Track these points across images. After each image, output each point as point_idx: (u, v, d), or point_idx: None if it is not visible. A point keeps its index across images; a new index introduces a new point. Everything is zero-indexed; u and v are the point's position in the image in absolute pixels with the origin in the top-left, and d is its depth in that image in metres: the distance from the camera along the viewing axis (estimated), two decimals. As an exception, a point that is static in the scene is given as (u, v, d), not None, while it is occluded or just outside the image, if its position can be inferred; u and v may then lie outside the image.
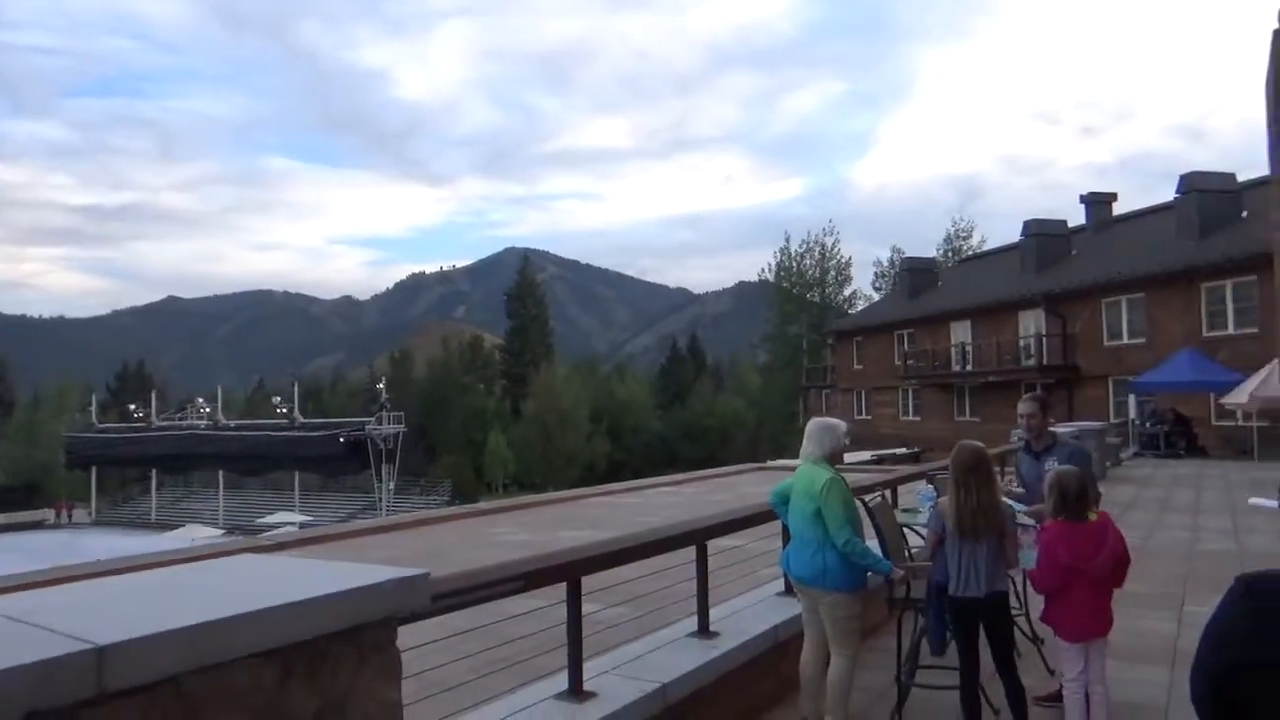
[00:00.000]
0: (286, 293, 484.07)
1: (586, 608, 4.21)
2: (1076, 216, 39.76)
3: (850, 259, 69.73)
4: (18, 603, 1.82)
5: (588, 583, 4.26)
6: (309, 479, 56.22)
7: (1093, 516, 4.42)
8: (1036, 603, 4.97)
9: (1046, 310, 32.88)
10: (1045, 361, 32.69)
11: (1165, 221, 31.63)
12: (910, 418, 43.10)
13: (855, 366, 48.26)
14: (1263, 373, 20.66)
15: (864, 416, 46.14)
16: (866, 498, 5.81)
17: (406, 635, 2.31)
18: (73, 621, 1.65)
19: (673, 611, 5.39)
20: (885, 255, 70.30)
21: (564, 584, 4.11)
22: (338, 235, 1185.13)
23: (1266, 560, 8.51)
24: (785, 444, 51.61)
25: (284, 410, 59.37)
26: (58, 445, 64.11)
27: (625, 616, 5.35)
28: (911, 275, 48.72)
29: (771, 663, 5.26)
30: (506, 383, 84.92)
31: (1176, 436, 24.73)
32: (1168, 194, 32.31)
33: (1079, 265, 34.56)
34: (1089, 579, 4.30)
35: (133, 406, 67.26)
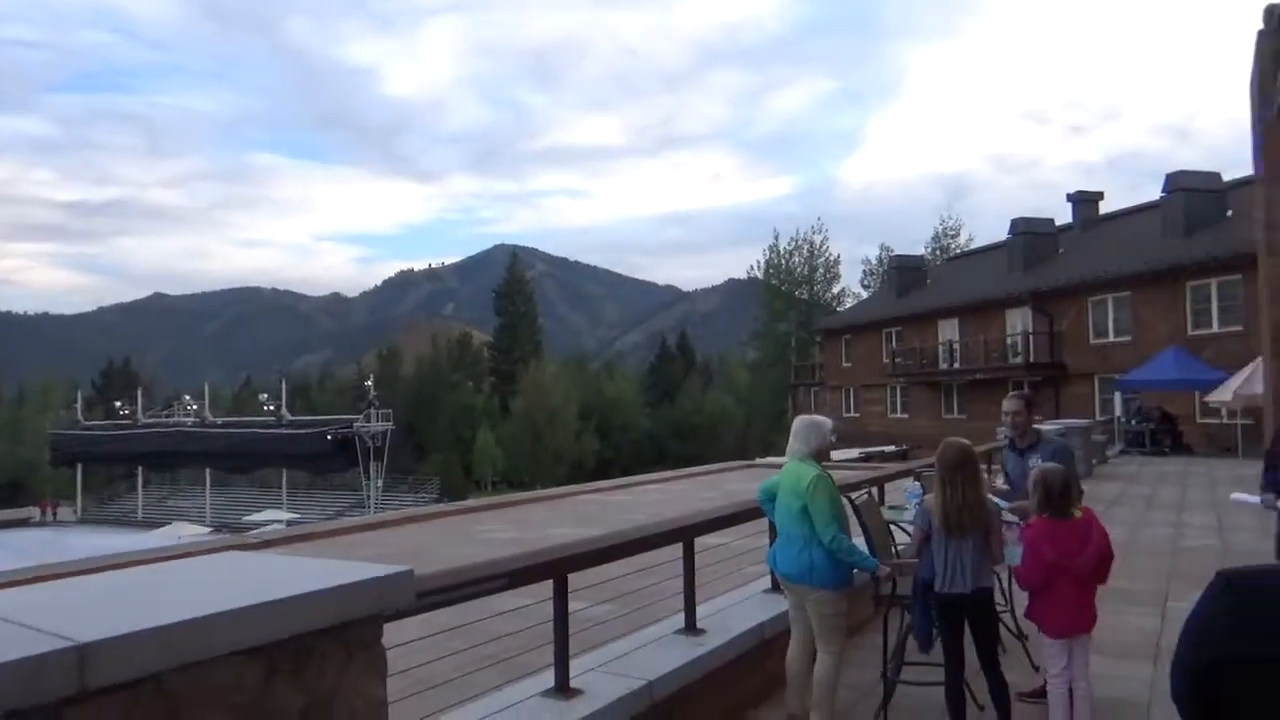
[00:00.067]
0: (274, 289, 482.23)
1: (573, 605, 4.21)
2: (1064, 215, 40.11)
3: (839, 257, 69.99)
4: (0, 601, 1.81)
5: (575, 580, 4.26)
6: (296, 477, 56.08)
7: (1077, 513, 4.45)
8: (1021, 599, 5.00)
9: (1034, 308, 33.05)
10: (1032, 359, 32.89)
11: (1151, 220, 31.84)
12: (898, 415, 43.25)
13: (844, 364, 48.40)
14: (1246, 371, 20.85)
15: (852, 414, 46.27)
16: (853, 495, 5.83)
17: (392, 632, 2.30)
18: (55, 619, 1.64)
19: (660, 609, 5.40)
20: (874, 253, 70.62)
21: (550, 581, 4.11)
22: (326, 232, 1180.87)
23: (1250, 557, 8.58)
24: (774, 441, 51.76)
25: (271, 408, 59.26)
26: (43, 442, 63.73)
27: (612, 614, 5.35)
28: (900, 273, 48.86)
29: (758, 660, 5.27)
30: (495, 380, 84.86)
31: (1162, 434, 24.90)
32: (1154, 193, 32.54)
33: (1066, 264, 34.75)
34: (1073, 575, 4.33)
35: (119, 404, 66.91)
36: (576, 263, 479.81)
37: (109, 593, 1.97)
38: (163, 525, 43.08)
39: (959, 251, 59.53)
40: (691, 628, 5.15)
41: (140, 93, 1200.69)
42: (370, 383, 65.00)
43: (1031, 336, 33.07)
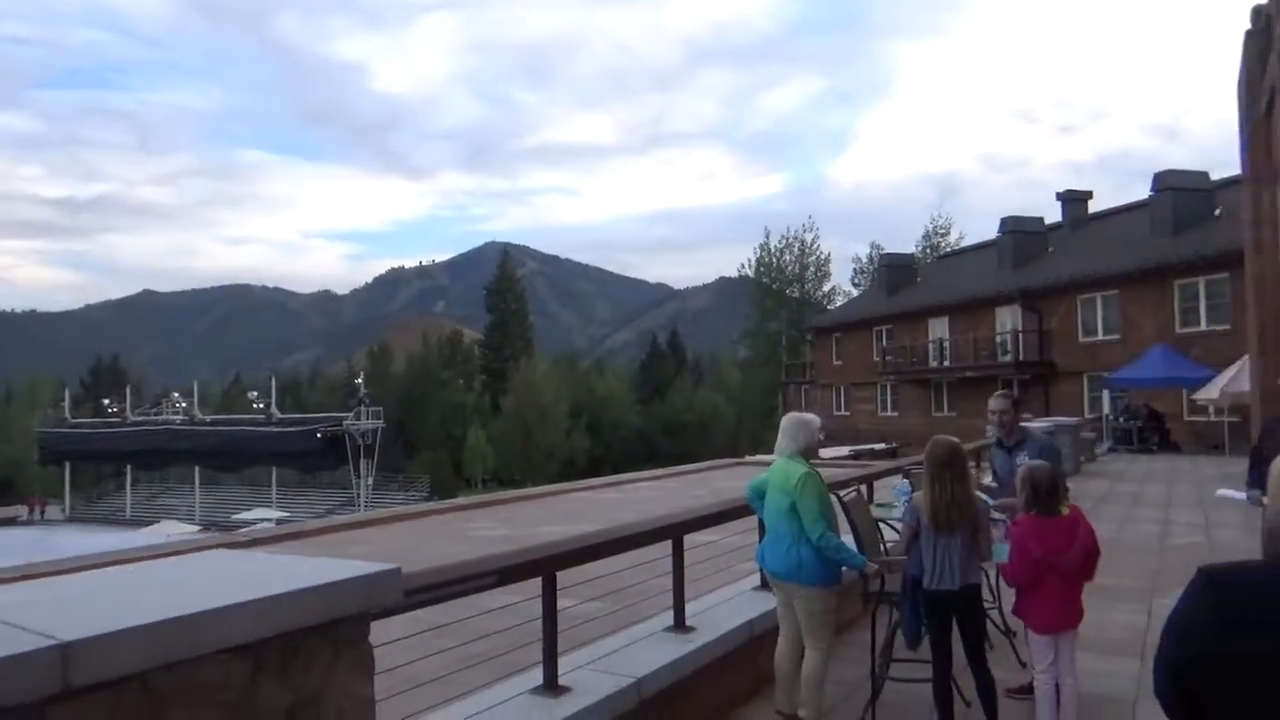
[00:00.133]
0: (264, 287, 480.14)
1: (563, 603, 4.21)
2: (1053, 214, 40.26)
3: (829, 255, 70.22)
4: (-17, 599, 1.81)
5: (565, 578, 4.26)
6: (286, 475, 55.86)
7: (1065, 511, 4.47)
8: (1008, 595, 5.02)
9: (1023, 306, 33.18)
10: (1021, 357, 33.02)
11: (1140, 219, 31.99)
12: (888, 413, 43.36)
13: (834, 362, 48.49)
14: (1233, 369, 20.98)
15: (843, 412, 46.38)
16: (841, 493, 5.84)
17: (380, 631, 2.30)
18: (39, 617, 1.64)
19: (649, 606, 5.40)
20: (864, 251, 70.91)
21: (539, 579, 4.11)
22: (316, 229, 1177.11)
23: (1236, 553, 8.63)
24: (764, 439, 51.72)
25: (261, 405, 59.07)
26: (30, 441, 63.27)
27: (602, 611, 5.36)
28: (890, 272, 48.97)
29: (747, 657, 5.29)
30: (486, 378, 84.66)
31: (1150, 432, 25.02)
32: (1143, 192, 32.75)
33: (1055, 262, 34.89)
34: (1060, 572, 4.35)
35: (107, 401, 66.61)
36: (568, 260, 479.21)
37: (94, 591, 1.97)
38: (151, 524, 42.83)
39: (949, 250, 59.70)
40: (681, 625, 5.15)
41: (129, 89, 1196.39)
42: (360, 380, 64.78)
43: (1021, 335, 33.21)
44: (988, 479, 6.52)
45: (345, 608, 2.01)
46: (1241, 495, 7.69)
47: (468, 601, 3.79)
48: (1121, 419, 26.01)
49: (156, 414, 61.64)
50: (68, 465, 58.22)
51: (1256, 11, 15.59)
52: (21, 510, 54.11)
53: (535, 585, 4.10)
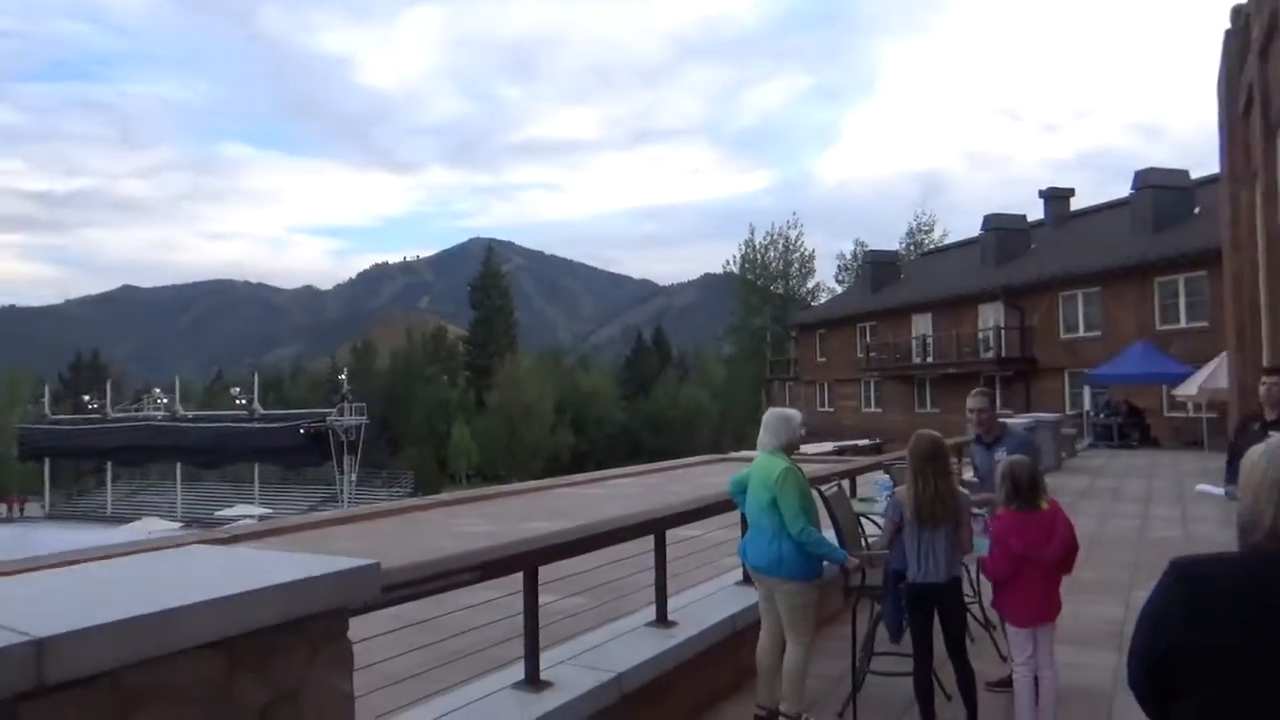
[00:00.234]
0: (247, 282, 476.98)
1: (544, 598, 4.21)
2: (1036, 211, 40.49)
3: (814, 252, 70.52)
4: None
5: (547, 573, 4.26)
6: (269, 471, 55.56)
7: (1044, 505, 4.50)
8: (988, 589, 5.05)
9: (1005, 303, 33.38)
10: (1003, 354, 33.23)
11: (1121, 217, 32.24)
12: (872, 409, 43.53)
13: (818, 359, 48.64)
14: (1211, 365, 21.19)
15: (827, 408, 46.53)
16: (823, 487, 5.86)
17: (360, 627, 2.30)
18: (13, 614, 1.62)
19: (631, 601, 5.41)
20: (848, 248, 71.19)
21: (521, 574, 4.10)
22: (299, 224, 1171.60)
23: (1213, 546, 8.68)
24: (748, 435, 51.75)
25: (243, 401, 58.70)
26: (10, 437, 62.63)
27: (583, 607, 5.36)
28: (874, 268, 49.15)
29: (729, 651, 5.30)
30: (470, 374, 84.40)
31: (1130, 427, 25.23)
32: (1124, 190, 32.96)
33: (1037, 259, 35.11)
34: (1039, 567, 4.39)
35: (87, 397, 66.05)
36: (552, 256, 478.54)
37: (69, 587, 1.95)
38: (132, 520, 42.51)
39: (933, 247, 60.01)
40: (663, 620, 5.16)
41: (111, 81, 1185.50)
42: (344, 376, 64.47)
43: (1003, 331, 33.40)
44: (969, 474, 6.56)
45: (321, 603, 2.00)
46: (1220, 490, 7.76)
47: (449, 597, 3.78)
48: (1102, 415, 26.21)
49: (138, 410, 61.06)
50: (47, 462, 57.66)
51: (1236, 11, 15.70)
52: (1, 508, 53.63)
53: (517, 581, 4.09)
